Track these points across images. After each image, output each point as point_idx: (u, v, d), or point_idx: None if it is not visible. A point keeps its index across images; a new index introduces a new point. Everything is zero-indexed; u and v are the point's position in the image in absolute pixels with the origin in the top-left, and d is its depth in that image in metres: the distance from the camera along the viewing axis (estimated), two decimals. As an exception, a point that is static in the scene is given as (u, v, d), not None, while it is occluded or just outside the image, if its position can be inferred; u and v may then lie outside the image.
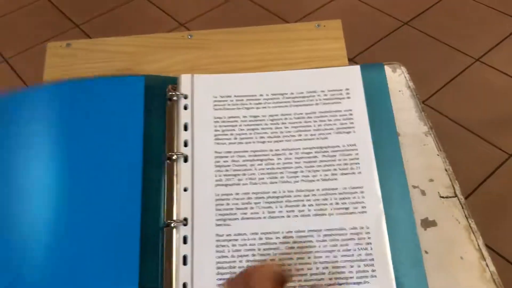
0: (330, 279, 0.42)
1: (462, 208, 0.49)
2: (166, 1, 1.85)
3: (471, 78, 1.50)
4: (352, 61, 1.46)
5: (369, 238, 0.43)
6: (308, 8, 1.77)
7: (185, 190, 0.46)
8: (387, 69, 0.60)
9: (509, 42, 1.60)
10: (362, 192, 0.45)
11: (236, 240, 0.43)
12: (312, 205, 0.45)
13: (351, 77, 0.51)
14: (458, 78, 1.51)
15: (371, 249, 0.43)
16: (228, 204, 0.45)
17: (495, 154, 1.31)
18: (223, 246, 0.43)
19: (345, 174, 0.46)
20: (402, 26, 1.68)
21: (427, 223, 0.47)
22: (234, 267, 0.42)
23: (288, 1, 1.81)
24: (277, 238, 0.43)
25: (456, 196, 0.50)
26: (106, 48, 0.56)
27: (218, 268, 0.42)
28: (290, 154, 0.47)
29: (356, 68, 0.52)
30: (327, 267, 0.42)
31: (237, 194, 0.46)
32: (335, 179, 0.46)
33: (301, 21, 1.71)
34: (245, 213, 0.45)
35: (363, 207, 0.45)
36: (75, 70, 0.55)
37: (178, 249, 0.43)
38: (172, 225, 0.44)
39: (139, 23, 1.78)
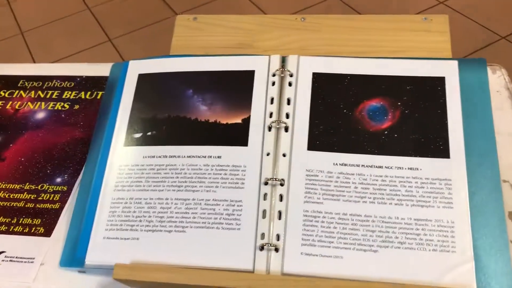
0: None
1: (553, 206, 0.50)
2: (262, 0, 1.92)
3: None
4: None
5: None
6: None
7: (283, 155, 0.51)
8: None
9: None
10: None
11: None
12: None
13: (448, 70, 0.53)
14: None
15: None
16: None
17: None
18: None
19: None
20: (499, 40, 1.63)
21: (515, 216, 0.49)
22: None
23: (382, 10, 1.81)
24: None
25: (547, 194, 0.51)
26: (228, 24, 0.63)
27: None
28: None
29: (453, 63, 0.54)
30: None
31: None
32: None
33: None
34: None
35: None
36: (199, 41, 0.61)
37: (274, 205, 0.48)
38: (272, 183, 0.49)
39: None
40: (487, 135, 0.50)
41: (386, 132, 0.51)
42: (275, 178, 0.49)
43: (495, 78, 0.62)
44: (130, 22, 1.91)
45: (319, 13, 1.82)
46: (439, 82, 0.52)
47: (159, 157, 0.53)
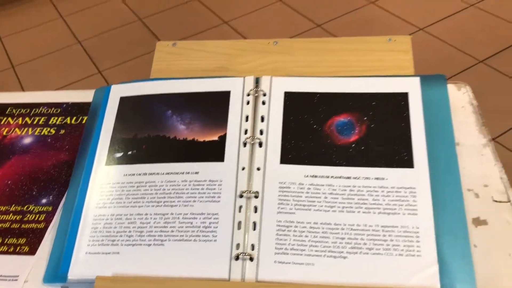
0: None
1: (515, 212, 0.52)
2: (244, 29, 1.98)
3: (546, 119, 1.48)
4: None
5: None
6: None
7: (258, 169, 0.54)
8: (452, 87, 0.65)
9: None
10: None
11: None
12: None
13: (410, 86, 0.57)
14: (532, 118, 1.49)
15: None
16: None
17: None
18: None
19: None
20: (477, 64, 1.69)
21: (479, 222, 0.51)
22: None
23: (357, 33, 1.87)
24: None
25: (509, 201, 0.53)
26: (205, 49, 0.66)
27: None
28: None
29: (416, 79, 0.57)
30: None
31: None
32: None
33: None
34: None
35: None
36: (178, 65, 0.65)
37: (249, 216, 0.51)
38: (247, 196, 0.52)
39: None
40: (448, 146, 0.53)
41: (353, 145, 0.53)
42: (250, 191, 0.52)
43: (460, 94, 0.66)
44: (120, 54, 1.96)
45: (303, 41, 1.88)
46: (402, 98, 0.56)
47: (139, 174, 0.55)
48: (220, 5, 2.14)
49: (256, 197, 0.52)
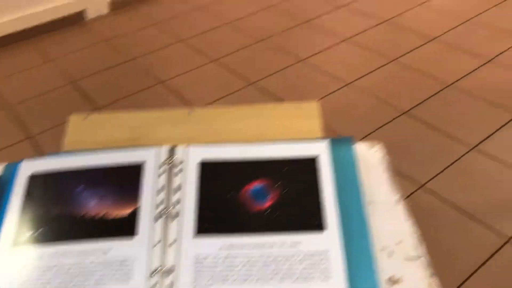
0: None
1: (427, 267, 0.54)
2: (180, 89, 2.01)
3: (467, 165, 1.57)
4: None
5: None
6: (314, 97, 1.90)
7: (172, 243, 0.52)
8: (364, 146, 0.68)
9: (502, 132, 1.68)
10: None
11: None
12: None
13: (319, 150, 0.59)
14: (455, 165, 1.57)
15: None
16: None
17: (492, 238, 1.33)
18: None
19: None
20: (401, 115, 1.78)
21: (393, 281, 0.52)
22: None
23: (293, 93, 1.95)
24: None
25: (421, 257, 0.55)
26: (119, 120, 0.66)
27: None
28: None
29: (324, 143, 0.60)
30: None
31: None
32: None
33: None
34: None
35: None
36: (92, 137, 0.64)
37: (164, 293, 0.49)
38: (161, 271, 0.50)
39: (158, 108, 1.92)
40: (358, 207, 0.54)
41: (268, 212, 0.54)
42: (163, 267, 0.50)
43: (372, 152, 0.69)
44: (52, 118, 1.91)
45: (241, 98, 1.93)
46: (312, 161, 0.57)
47: (46, 257, 0.52)
48: (156, 65, 2.16)
49: (171, 272, 0.50)
